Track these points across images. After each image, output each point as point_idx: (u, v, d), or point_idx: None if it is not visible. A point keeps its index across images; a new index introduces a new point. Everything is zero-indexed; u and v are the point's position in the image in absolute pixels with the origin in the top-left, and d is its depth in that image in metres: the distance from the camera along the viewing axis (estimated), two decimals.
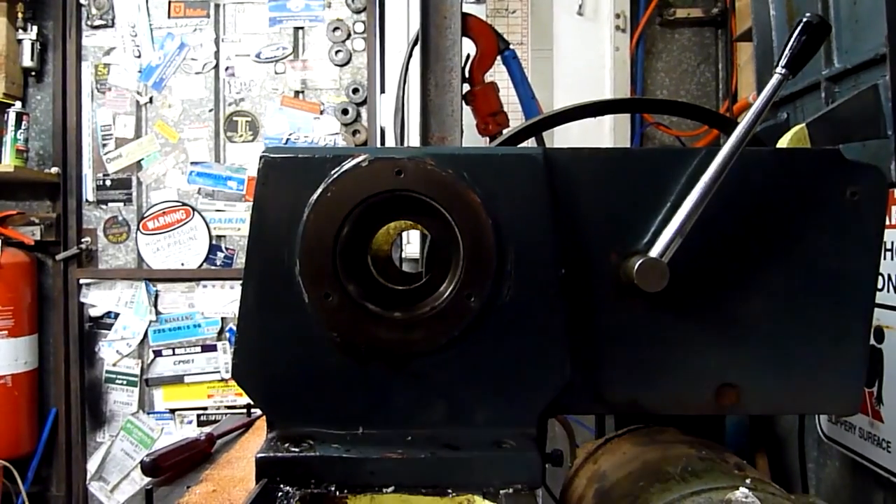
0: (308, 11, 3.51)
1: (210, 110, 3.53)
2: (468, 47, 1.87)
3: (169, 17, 3.53)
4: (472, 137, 1.91)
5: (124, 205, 3.54)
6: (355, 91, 3.46)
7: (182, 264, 3.49)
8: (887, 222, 1.22)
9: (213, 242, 3.51)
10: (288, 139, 3.49)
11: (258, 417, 1.78)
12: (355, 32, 3.49)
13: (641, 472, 0.95)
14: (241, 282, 0.89)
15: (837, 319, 0.91)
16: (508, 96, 2.13)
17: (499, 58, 2.04)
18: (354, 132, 3.46)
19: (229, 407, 3.45)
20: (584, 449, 1.16)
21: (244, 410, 2.00)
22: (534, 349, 0.88)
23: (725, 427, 1.33)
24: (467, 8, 1.68)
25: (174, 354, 3.50)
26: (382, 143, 3.33)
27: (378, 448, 0.85)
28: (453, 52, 1.69)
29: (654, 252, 0.86)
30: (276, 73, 3.52)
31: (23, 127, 3.29)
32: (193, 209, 3.50)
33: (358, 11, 3.48)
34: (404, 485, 0.84)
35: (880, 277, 1.39)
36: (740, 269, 0.90)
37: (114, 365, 3.51)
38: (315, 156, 0.88)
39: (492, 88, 1.98)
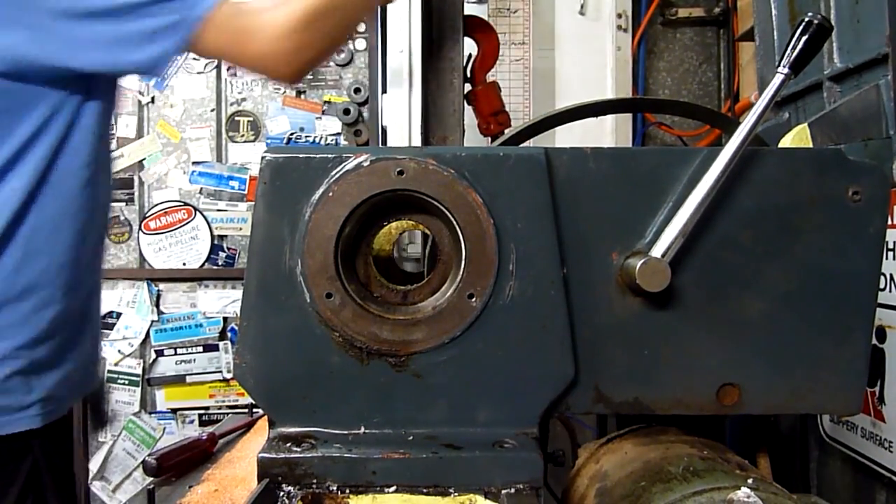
0: None
1: (212, 110, 3.53)
2: (470, 47, 1.87)
3: None
4: (473, 137, 1.91)
5: (126, 205, 3.53)
6: (357, 91, 3.46)
7: (184, 264, 3.49)
8: (889, 222, 1.22)
9: (215, 242, 3.50)
10: (290, 139, 3.48)
11: (260, 417, 1.78)
12: (357, 32, 3.49)
13: (643, 472, 0.95)
14: (242, 282, 0.89)
15: (839, 319, 0.91)
16: (510, 96, 2.13)
17: (500, 57, 2.04)
18: (356, 132, 3.46)
19: (231, 407, 3.44)
20: (585, 449, 1.16)
21: (246, 410, 2.00)
22: (535, 349, 0.88)
23: (727, 427, 1.33)
24: (469, 8, 1.67)
25: (176, 354, 3.50)
26: (384, 142, 3.33)
27: (379, 448, 0.85)
28: (455, 52, 1.69)
29: (656, 252, 0.86)
30: None
31: None
32: (195, 209, 3.50)
33: None
34: (406, 484, 0.84)
35: (882, 277, 1.39)
36: (742, 268, 0.90)
37: (115, 365, 3.51)
38: (317, 155, 0.88)
39: (493, 88, 1.97)
